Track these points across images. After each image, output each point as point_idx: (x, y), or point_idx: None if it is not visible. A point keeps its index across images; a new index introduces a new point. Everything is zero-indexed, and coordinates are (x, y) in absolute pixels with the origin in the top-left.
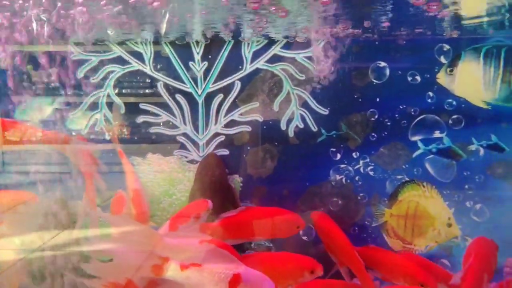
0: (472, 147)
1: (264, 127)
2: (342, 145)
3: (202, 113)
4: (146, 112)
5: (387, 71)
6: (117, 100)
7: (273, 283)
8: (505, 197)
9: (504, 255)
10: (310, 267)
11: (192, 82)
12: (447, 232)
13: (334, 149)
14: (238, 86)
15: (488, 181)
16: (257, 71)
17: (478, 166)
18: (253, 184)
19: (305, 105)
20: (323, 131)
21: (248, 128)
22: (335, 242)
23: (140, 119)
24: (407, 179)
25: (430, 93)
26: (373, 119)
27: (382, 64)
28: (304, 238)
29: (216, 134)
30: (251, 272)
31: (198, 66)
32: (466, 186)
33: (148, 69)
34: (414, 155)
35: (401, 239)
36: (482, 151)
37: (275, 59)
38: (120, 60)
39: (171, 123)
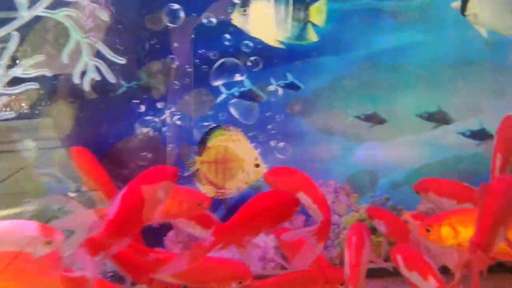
0: (271, 88)
1: (54, 82)
2: (145, 96)
3: None
4: None
5: (182, 14)
6: None
7: None
8: (303, 132)
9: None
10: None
11: None
12: (255, 172)
13: (137, 101)
14: (16, 37)
15: (287, 119)
16: (37, 19)
17: (278, 105)
18: (51, 147)
19: (99, 55)
20: (122, 82)
21: (35, 85)
22: (95, 178)
23: None
24: (213, 125)
25: (227, 35)
26: (173, 66)
27: (175, 6)
28: None
29: None
30: None
31: None
32: (269, 126)
33: None
34: (218, 100)
35: (213, 184)
36: (280, 91)
37: (58, 4)
38: None
39: None
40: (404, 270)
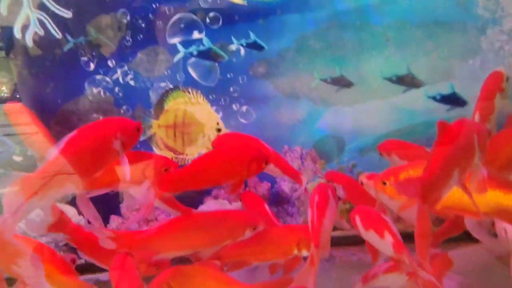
0: (233, 47)
1: None
2: (94, 53)
3: None
4: None
5: None
6: None
7: None
8: (268, 95)
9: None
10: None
11: None
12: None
13: (85, 59)
14: None
15: (251, 82)
16: None
17: (240, 66)
18: None
19: (42, 6)
20: (69, 37)
21: None
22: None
23: None
24: (171, 86)
25: None
26: (125, 20)
27: None
28: None
29: None
30: None
31: None
32: (231, 89)
33: None
34: (175, 59)
35: (172, 150)
36: (242, 51)
37: None
38: None
39: None
40: (362, 231)
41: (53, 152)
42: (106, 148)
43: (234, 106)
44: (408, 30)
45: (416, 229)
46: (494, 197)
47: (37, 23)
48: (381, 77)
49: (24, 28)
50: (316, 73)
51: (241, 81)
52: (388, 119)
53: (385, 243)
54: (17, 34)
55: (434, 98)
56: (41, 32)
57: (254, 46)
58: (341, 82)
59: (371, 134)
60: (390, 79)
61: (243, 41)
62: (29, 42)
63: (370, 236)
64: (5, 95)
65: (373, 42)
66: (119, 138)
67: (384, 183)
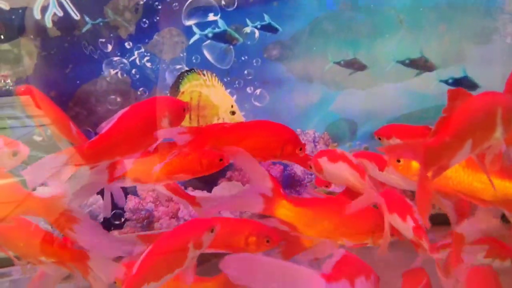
0: (247, 29)
1: (13, 16)
2: (111, 35)
3: None
4: None
5: None
6: None
7: None
8: (282, 79)
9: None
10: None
11: None
12: (231, 120)
13: (103, 40)
14: None
15: (265, 64)
16: None
17: (255, 49)
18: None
19: None
20: (87, 18)
21: None
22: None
23: None
24: (186, 68)
25: None
26: (142, 2)
27: None
28: None
29: None
30: None
31: None
32: (245, 72)
33: None
34: (191, 41)
35: None
36: (257, 33)
37: None
38: None
39: None
40: (386, 214)
41: (105, 126)
42: (155, 126)
43: (248, 89)
44: (421, 12)
45: (416, 196)
46: (502, 187)
47: (56, 4)
48: (394, 60)
49: (44, 9)
50: (330, 56)
51: (255, 64)
52: (400, 103)
53: (407, 227)
54: (37, 15)
55: (446, 82)
56: (60, 13)
57: (268, 28)
58: (354, 65)
59: (384, 117)
60: (403, 62)
61: (258, 24)
62: (49, 23)
63: (393, 218)
64: (10, 87)
65: (386, 25)
66: (167, 116)
67: (398, 161)
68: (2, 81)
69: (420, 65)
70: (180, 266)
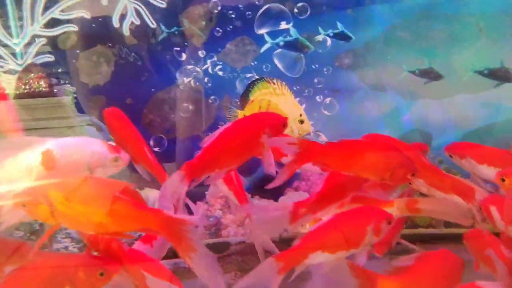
0: (319, 37)
1: (94, 25)
2: (186, 43)
3: (13, 11)
4: None
5: None
6: None
7: None
8: (353, 88)
9: None
10: None
11: None
12: (300, 128)
13: (178, 48)
14: None
15: (336, 73)
16: None
17: (326, 57)
18: (89, 93)
19: None
20: (163, 27)
21: (74, 28)
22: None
23: None
24: (256, 77)
25: None
26: (216, 11)
27: None
28: None
29: (35, 37)
30: None
31: None
32: (316, 80)
33: None
34: (262, 50)
35: None
36: (329, 41)
37: None
38: None
39: None
40: (499, 223)
41: (208, 140)
42: (255, 141)
43: (317, 98)
44: (502, 20)
45: None
46: None
47: (134, 12)
48: (472, 70)
49: (122, 18)
50: (404, 64)
51: (326, 72)
52: (478, 115)
53: None
54: (115, 23)
55: None
56: (137, 22)
57: (341, 36)
58: (430, 75)
59: (460, 129)
60: (481, 73)
61: (330, 32)
62: (126, 31)
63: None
64: (44, 89)
65: (464, 33)
66: (267, 132)
67: (503, 180)
68: (37, 83)
69: (500, 75)
70: (356, 246)
